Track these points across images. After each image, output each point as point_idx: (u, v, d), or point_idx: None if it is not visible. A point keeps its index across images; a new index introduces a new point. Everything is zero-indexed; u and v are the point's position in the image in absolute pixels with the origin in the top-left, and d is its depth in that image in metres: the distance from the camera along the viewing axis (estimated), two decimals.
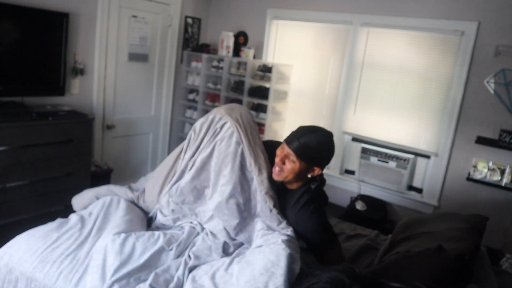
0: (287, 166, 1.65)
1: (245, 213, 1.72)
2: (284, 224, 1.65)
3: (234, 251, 1.73)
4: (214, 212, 1.76)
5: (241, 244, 1.77)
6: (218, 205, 1.73)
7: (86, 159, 3.21)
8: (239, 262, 1.54)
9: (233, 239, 1.76)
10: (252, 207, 1.73)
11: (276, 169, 1.68)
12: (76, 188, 3.17)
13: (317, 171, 1.68)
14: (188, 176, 1.82)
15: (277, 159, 1.67)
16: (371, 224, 3.14)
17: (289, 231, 1.62)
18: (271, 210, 1.67)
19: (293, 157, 1.63)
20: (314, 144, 1.61)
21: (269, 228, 1.66)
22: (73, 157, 3.12)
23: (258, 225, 1.69)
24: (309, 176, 1.70)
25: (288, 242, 1.52)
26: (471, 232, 1.92)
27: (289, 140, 1.65)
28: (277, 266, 1.39)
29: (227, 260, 1.60)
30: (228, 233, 1.75)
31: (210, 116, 1.85)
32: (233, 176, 1.71)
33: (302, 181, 1.72)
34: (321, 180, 1.76)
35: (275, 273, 1.38)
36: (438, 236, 1.89)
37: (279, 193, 1.75)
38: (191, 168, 1.84)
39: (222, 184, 1.74)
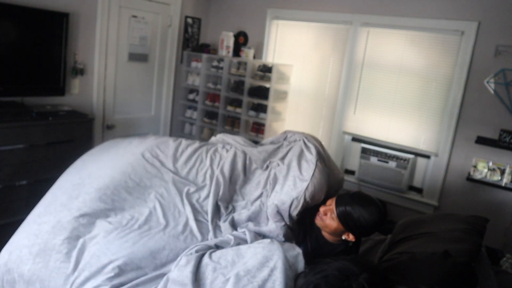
0: (327, 220, 1.72)
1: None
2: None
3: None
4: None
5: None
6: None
7: None
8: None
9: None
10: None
11: (319, 215, 1.76)
12: None
13: (351, 237, 1.72)
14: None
15: (322, 208, 1.75)
16: None
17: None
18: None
19: (334, 215, 1.70)
20: (357, 217, 1.65)
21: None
22: (73, 157, 3.09)
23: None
24: (344, 238, 1.74)
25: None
26: (472, 233, 1.92)
27: (339, 202, 1.70)
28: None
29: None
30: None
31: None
32: None
33: (338, 238, 1.77)
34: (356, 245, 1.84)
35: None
36: (439, 237, 1.88)
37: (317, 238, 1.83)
38: None
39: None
